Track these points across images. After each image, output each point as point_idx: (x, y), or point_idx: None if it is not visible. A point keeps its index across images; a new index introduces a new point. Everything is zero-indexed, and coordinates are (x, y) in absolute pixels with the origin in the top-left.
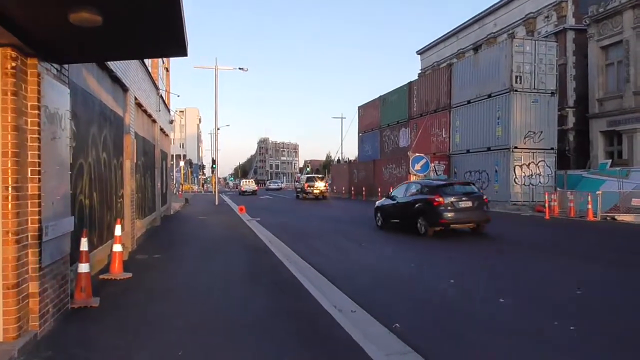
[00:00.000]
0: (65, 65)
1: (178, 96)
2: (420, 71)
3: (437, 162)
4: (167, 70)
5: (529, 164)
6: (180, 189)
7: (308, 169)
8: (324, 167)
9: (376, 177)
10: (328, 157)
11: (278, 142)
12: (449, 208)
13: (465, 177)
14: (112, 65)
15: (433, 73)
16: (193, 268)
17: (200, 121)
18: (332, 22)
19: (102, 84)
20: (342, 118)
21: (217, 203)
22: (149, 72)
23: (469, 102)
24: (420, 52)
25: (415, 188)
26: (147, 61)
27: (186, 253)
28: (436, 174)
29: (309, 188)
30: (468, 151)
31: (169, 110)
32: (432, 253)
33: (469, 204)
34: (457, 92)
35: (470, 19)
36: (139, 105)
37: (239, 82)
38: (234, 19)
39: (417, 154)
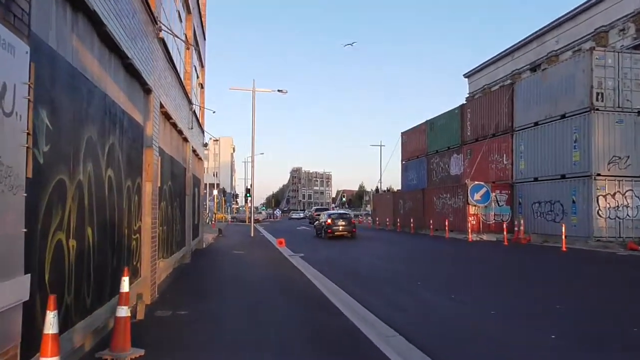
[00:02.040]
0: (23, 3)
1: (214, 112)
2: (468, 95)
3: (498, 191)
4: (202, 87)
5: (614, 193)
6: (213, 219)
7: (344, 199)
8: (359, 198)
9: (427, 207)
10: (361, 187)
11: (311, 171)
12: (333, 225)
13: (533, 208)
14: (128, 50)
15: (490, 94)
16: (232, 339)
17: (234, 150)
18: (369, 47)
19: (110, 70)
20: (381, 146)
21: (252, 235)
22: (181, 80)
23: (536, 124)
24: (468, 75)
25: (325, 215)
26: (179, 70)
27: (222, 308)
28: (498, 204)
29: (317, 216)
30: (536, 179)
31: (203, 132)
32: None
33: (344, 223)
34: (520, 114)
35: (527, 37)
36: (166, 115)
37: (273, 108)
38: (267, 41)
39: (476, 183)
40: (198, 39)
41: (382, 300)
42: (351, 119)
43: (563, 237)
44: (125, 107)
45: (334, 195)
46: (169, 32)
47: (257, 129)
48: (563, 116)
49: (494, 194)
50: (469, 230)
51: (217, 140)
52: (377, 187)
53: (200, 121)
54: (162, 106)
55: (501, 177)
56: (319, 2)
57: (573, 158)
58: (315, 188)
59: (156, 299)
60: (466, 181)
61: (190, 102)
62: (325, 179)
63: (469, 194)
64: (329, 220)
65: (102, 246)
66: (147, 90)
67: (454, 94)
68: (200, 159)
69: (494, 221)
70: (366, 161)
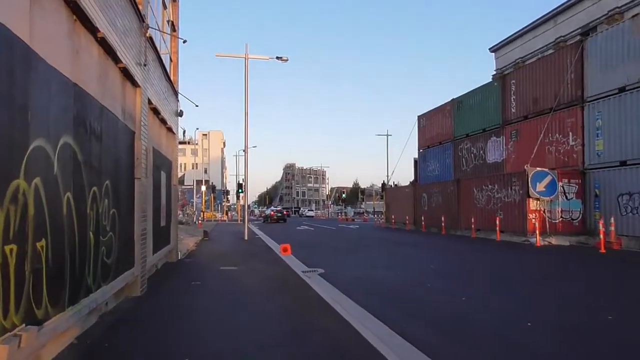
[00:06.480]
0: None
1: (184, 41)
2: (495, 72)
3: (565, 180)
4: (174, 29)
5: None
6: (200, 218)
7: (344, 195)
8: (354, 195)
9: (463, 202)
10: (355, 184)
11: (305, 167)
12: (273, 215)
13: (619, 202)
14: None
15: (546, 58)
16: None
17: (224, 145)
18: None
19: None
20: (387, 135)
21: (246, 237)
22: None
23: (621, 90)
24: (495, 49)
25: (269, 210)
26: None
27: None
28: (566, 198)
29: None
30: (623, 163)
31: (175, 93)
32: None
33: (280, 214)
34: (595, 79)
35: None
36: None
37: (264, 98)
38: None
39: (538, 169)
40: None
41: None
42: (345, 113)
43: None
44: None
45: (328, 193)
46: None
47: (249, 121)
48: None
49: (560, 183)
50: (537, 232)
51: (205, 135)
52: (384, 181)
53: (171, 78)
54: None
55: (565, 162)
56: None
57: None
58: (310, 185)
59: None
60: (525, 167)
61: (140, 17)
62: (320, 175)
63: (529, 184)
64: (272, 213)
65: None
66: None
67: (472, 73)
68: (170, 130)
69: (561, 219)
70: (360, 158)
